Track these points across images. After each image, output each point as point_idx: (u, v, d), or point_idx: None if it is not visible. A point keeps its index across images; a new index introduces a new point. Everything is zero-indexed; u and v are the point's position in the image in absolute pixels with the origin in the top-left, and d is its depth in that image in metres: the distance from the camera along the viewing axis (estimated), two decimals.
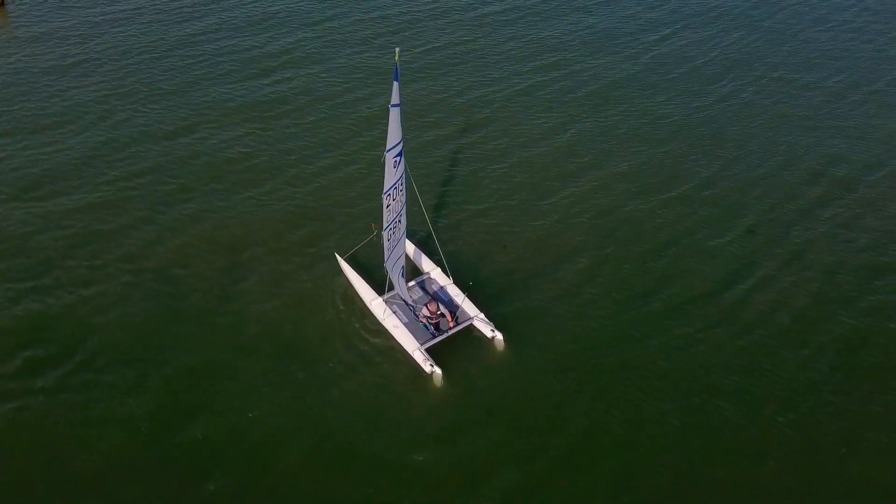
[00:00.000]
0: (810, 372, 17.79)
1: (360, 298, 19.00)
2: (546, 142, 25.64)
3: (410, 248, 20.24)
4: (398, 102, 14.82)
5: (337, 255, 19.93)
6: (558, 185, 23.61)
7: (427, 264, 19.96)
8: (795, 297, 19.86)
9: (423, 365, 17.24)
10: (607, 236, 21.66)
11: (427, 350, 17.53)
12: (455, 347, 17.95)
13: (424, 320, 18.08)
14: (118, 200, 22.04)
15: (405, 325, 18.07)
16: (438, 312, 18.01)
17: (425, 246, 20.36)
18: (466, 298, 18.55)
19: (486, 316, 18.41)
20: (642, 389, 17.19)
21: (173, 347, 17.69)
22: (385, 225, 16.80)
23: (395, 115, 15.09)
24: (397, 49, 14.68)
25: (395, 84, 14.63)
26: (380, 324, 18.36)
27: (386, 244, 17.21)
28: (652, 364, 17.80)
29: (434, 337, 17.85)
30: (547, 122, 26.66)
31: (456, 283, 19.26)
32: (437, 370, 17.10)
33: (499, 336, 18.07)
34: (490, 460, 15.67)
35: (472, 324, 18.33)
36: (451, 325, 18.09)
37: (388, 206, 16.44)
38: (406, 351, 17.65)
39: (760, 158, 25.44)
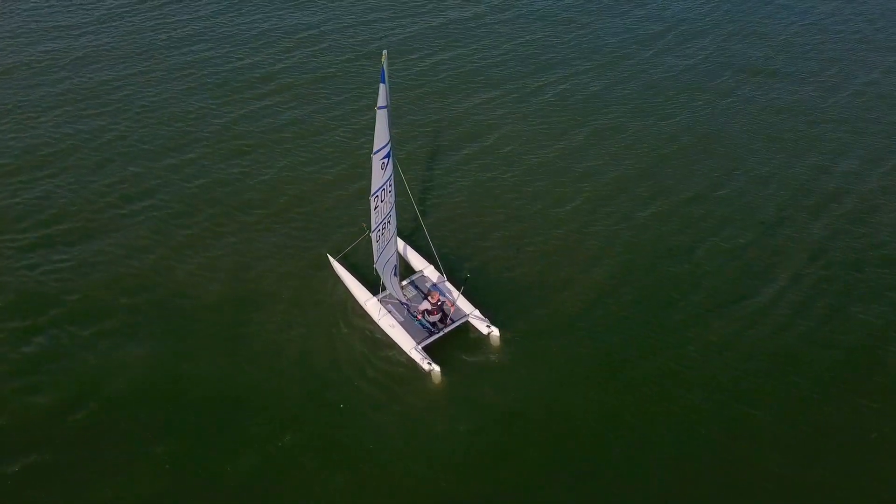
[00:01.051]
0: (843, 372, 17.62)
1: (354, 299, 19.01)
2: (547, 144, 25.39)
3: (403, 246, 20.23)
4: (385, 104, 14.76)
5: (329, 257, 19.92)
6: (559, 187, 23.41)
7: (420, 262, 19.96)
8: (821, 297, 19.65)
9: (421, 363, 17.28)
10: (608, 235, 21.62)
11: (424, 348, 17.58)
12: (452, 345, 17.99)
13: (421, 315, 18.03)
14: (112, 227, 21.46)
15: (401, 323, 18.10)
16: (439, 302, 17.97)
17: (418, 245, 20.33)
18: (461, 295, 18.58)
19: (481, 312, 18.44)
20: (645, 388, 17.22)
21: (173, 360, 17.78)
22: (373, 226, 16.80)
23: (381, 117, 15.03)
24: (384, 52, 14.57)
25: (382, 86, 14.56)
26: (375, 323, 18.38)
27: (375, 245, 17.23)
28: (660, 364, 17.76)
29: (431, 335, 17.90)
30: (546, 126, 26.36)
31: (449, 279, 19.26)
32: (436, 368, 17.14)
33: (495, 332, 18.11)
34: (489, 455, 15.77)
35: (467, 321, 18.36)
36: (452, 308, 18.12)
37: (375, 208, 16.43)
38: (403, 350, 17.69)
39: (767, 155, 25.25)
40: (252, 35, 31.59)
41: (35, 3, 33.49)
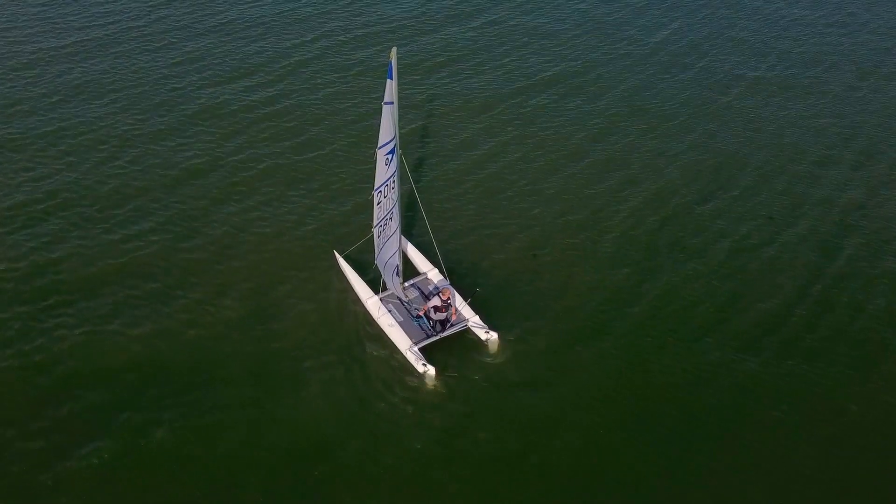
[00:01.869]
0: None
1: (357, 296, 19.00)
2: (558, 153, 25.28)
3: (409, 248, 20.25)
4: (391, 100, 14.85)
5: (335, 253, 19.99)
6: (569, 195, 23.28)
7: (425, 265, 19.90)
8: (842, 294, 19.66)
9: (415, 364, 17.17)
10: (622, 242, 21.43)
11: (420, 349, 17.47)
12: (450, 348, 17.85)
13: (424, 312, 17.88)
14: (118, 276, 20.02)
15: (399, 323, 18.04)
16: (449, 300, 17.77)
17: (423, 247, 20.24)
18: (462, 300, 18.44)
19: (481, 318, 18.28)
20: (641, 404, 16.94)
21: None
22: (375, 222, 16.81)
23: (387, 112, 15.13)
24: (394, 48, 14.66)
25: (389, 82, 14.69)
26: (374, 322, 18.33)
27: (376, 241, 17.24)
28: (660, 382, 17.43)
29: (428, 337, 17.79)
30: (556, 135, 26.25)
31: (458, 289, 19.08)
32: (430, 369, 17.02)
33: (493, 336, 17.94)
34: (477, 459, 15.58)
35: (467, 326, 18.20)
36: (455, 316, 17.99)
37: (378, 204, 16.47)
38: (399, 349, 17.60)
39: (791, 159, 25.27)
40: (248, 52, 30.67)
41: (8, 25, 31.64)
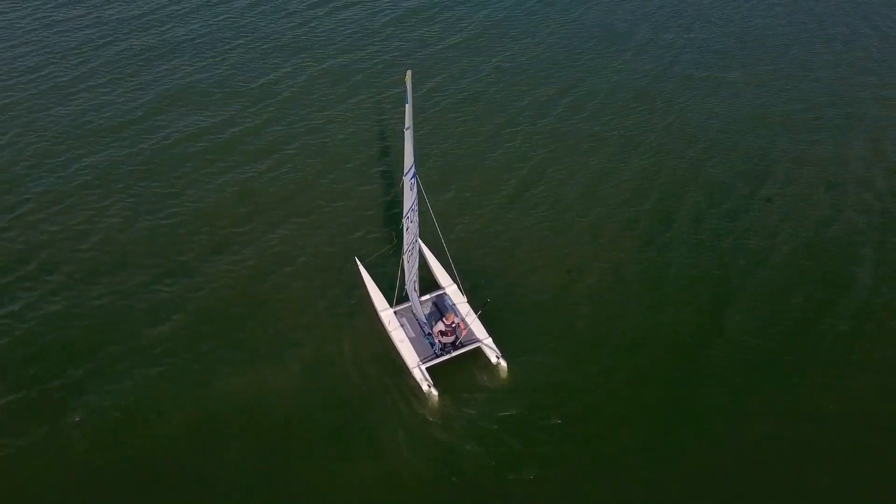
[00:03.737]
0: None
1: (373, 306, 19.22)
2: (570, 164, 24.93)
3: (431, 262, 20.31)
4: (409, 125, 14.81)
5: (357, 260, 20.19)
6: (582, 213, 23.05)
7: (444, 280, 19.96)
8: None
9: (420, 383, 17.36)
10: (638, 268, 21.11)
11: (427, 369, 17.63)
12: (458, 369, 17.95)
13: (438, 334, 17.98)
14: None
15: (410, 339, 18.21)
16: (453, 324, 17.95)
17: (441, 262, 20.22)
18: (477, 320, 18.50)
19: (494, 341, 18.32)
20: (636, 448, 16.73)
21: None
22: (405, 248, 16.90)
23: (408, 138, 15.11)
24: (408, 71, 14.26)
25: (406, 107, 14.54)
26: (386, 334, 18.54)
27: (406, 265, 17.36)
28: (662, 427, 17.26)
29: (437, 356, 17.94)
30: (562, 146, 25.88)
31: (469, 302, 19.19)
32: (434, 391, 17.19)
33: (503, 363, 17.97)
34: (468, 481, 15.80)
35: (478, 346, 18.25)
36: (464, 332, 18.05)
37: (407, 229, 16.55)
38: (407, 366, 17.80)
39: (799, 158, 25.39)
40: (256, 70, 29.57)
41: None
